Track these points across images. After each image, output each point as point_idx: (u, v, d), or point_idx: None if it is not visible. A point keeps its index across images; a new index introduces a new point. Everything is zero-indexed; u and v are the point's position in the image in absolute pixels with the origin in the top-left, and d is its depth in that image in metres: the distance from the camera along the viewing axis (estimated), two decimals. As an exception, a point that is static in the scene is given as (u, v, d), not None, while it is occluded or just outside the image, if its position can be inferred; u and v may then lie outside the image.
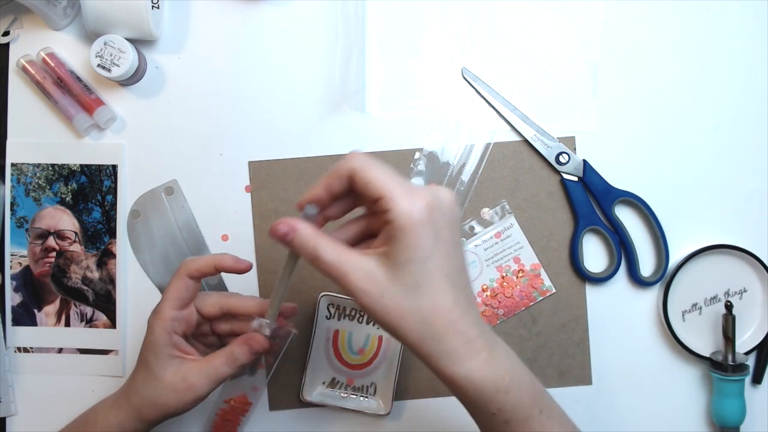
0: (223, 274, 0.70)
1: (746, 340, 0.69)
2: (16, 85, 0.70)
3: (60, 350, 0.70)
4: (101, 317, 0.70)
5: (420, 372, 0.69)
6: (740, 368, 0.66)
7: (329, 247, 0.44)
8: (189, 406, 0.56)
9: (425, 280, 0.43)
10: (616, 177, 0.69)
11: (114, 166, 0.70)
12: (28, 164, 0.70)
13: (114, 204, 0.70)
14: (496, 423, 0.46)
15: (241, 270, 0.57)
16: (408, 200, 0.42)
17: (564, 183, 0.69)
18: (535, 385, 0.48)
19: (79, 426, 0.59)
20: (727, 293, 0.69)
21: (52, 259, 0.70)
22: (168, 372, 0.55)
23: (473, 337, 0.44)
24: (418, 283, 0.43)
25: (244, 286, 0.69)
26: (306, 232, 0.45)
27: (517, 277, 0.69)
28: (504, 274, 0.69)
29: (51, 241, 0.70)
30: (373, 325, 0.69)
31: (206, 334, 0.60)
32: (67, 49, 0.70)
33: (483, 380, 0.45)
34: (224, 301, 0.59)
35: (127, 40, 0.65)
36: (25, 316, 0.70)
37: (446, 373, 0.44)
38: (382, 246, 0.44)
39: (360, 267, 0.44)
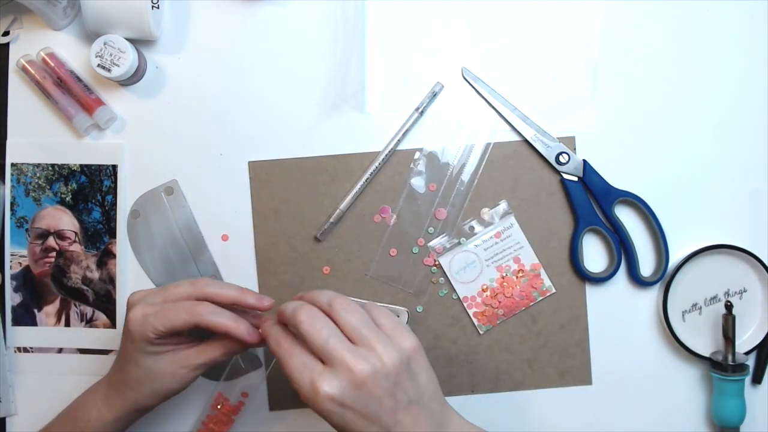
0: (222, 271, 0.70)
1: (746, 340, 0.69)
2: (16, 85, 0.70)
3: (60, 350, 0.70)
4: (101, 317, 0.70)
5: (420, 372, 0.69)
6: (740, 368, 0.66)
7: (300, 364, 0.50)
8: (190, 383, 0.59)
9: None
10: (616, 177, 0.69)
11: (114, 166, 0.70)
12: (28, 164, 0.70)
13: (114, 204, 0.70)
14: None
15: (263, 309, 0.58)
16: (307, 385, 0.48)
17: (564, 183, 0.69)
18: None
19: (67, 424, 0.60)
20: (727, 293, 0.69)
21: (52, 259, 0.70)
22: (164, 364, 0.57)
23: None
24: None
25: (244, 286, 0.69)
26: (282, 339, 0.53)
27: (517, 277, 0.69)
28: (504, 274, 0.69)
29: (51, 241, 0.70)
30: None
31: None
32: (67, 49, 0.70)
33: None
34: (196, 312, 0.56)
35: (127, 40, 0.65)
36: (25, 316, 0.70)
37: None
38: None
39: (325, 380, 0.49)
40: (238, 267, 0.69)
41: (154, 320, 0.54)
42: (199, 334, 0.58)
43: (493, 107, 0.69)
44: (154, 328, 0.54)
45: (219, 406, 0.69)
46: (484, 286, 0.69)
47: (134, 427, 0.61)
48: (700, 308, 0.69)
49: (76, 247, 0.70)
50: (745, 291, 0.69)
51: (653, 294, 0.70)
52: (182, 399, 0.69)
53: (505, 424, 0.69)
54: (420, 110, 0.69)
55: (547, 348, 0.69)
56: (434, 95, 0.69)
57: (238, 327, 0.55)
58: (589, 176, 0.68)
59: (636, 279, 0.69)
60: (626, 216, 0.70)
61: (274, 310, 0.56)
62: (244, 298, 0.56)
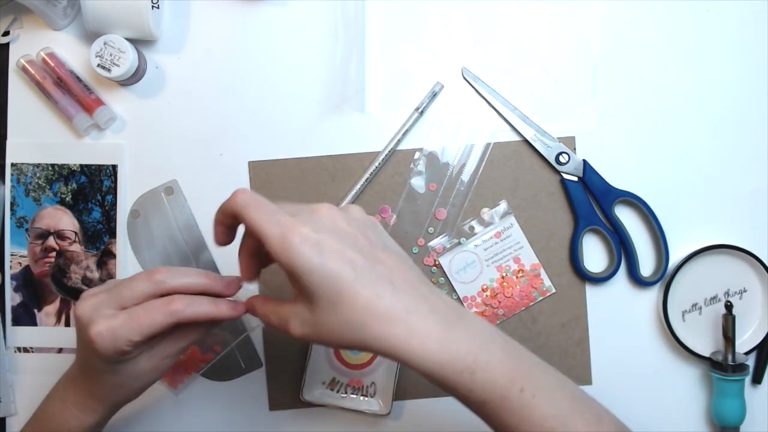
0: (222, 271, 0.70)
1: (746, 340, 0.69)
2: (16, 85, 0.70)
3: (60, 350, 0.70)
4: (101, 317, 0.69)
5: (420, 372, 0.69)
6: (740, 368, 0.66)
7: (269, 306, 0.49)
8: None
9: (334, 296, 0.44)
10: (616, 177, 0.69)
11: (114, 166, 0.70)
12: (28, 164, 0.70)
13: (114, 204, 0.70)
14: (474, 405, 0.46)
15: (231, 295, 0.53)
16: (279, 236, 0.44)
17: (564, 183, 0.69)
18: (517, 362, 0.46)
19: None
20: (727, 293, 0.69)
21: (52, 259, 0.70)
22: (143, 363, 0.52)
23: (416, 320, 0.44)
24: (330, 302, 0.44)
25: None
26: (257, 304, 0.50)
27: (517, 277, 0.69)
28: (504, 274, 0.69)
29: (51, 241, 0.70)
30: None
31: None
32: (67, 49, 0.70)
33: (439, 362, 0.44)
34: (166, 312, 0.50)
35: (127, 40, 0.65)
36: (25, 316, 0.70)
37: (407, 363, 0.45)
38: (293, 287, 0.46)
39: (292, 314, 0.47)
40: (238, 267, 0.69)
41: (125, 332, 0.48)
42: None
43: (493, 107, 0.69)
44: (128, 340, 0.48)
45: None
46: (484, 286, 0.69)
47: (132, 427, 0.60)
48: (700, 308, 0.69)
49: (76, 247, 0.70)
50: (745, 291, 0.69)
51: (653, 294, 0.70)
52: (183, 398, 0.69)
53: (505, 424, 0.69)
54: (420, 110, 0.69)
55: (547, 348, 0.69)
56: (434, 95, 0.69)
57: (221, 309, 0.51)
58: (589, 176, 0.68)
59: (636, 279, 0.69)
60: (626, 216, 0.70)
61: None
62: (213, 285, 0.52)
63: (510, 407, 0.45)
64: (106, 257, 0.70)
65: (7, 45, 0.70)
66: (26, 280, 0.70)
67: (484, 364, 0.45)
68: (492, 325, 0.48)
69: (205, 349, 0.69)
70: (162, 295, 0.50)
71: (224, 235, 0.52)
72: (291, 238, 0.44)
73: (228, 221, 0.50)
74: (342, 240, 0.45)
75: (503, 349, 0.46)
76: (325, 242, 0.44)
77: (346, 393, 0.69)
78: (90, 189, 0.70)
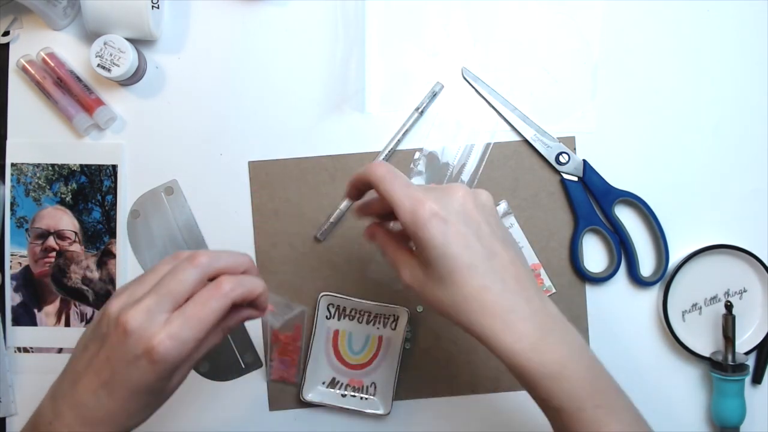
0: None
1: (746, 340, 0.69)
2: (16, 85, 0.70)
3: (60, 350, 0.70)
4: (101, 317, 0.69)
5: (420, 372, 0.69)
6: (740, 368, 0.66)
7: (391, 247, 0.53)
8: None
9: (447, 274, 0.47)
10: (616, 177, 0.69)
11: (114, 166, 0.70)
12: (28, 164, 0.70)
13: (114, 204, 0.70)
14: (548, 408, 0.49)
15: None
16: (410, 209, 0.47)
17: (564, 183, 0.69)
18: (597, 380, 0.49)
19: None
20: (727, 293, 0.69)
21: (52, 259, 0.70)
22: (176, 377, 0.48)
23: (515, 320, 0.47)
24: (442, 277, 0.48)
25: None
26: (379, 235, 0.54)
27: (517, 277, 0.69)
28: (504, 274, 0.69)
29: (51, 241, 0.70)
30: (374, 325, 0.69)
31: None
32: (67, 49, 0.70)
33: (527, 364, 0.47)
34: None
35: (127, 40, 0.65)
36: (25, 316, 0.70)
37: (495, 352, 0.48)
38: (416, 245, 0.49)
39: (407, 265, 0.51)
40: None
41: (189, 333, 0.44)
42: None
43: (493, 107, 0.69)
44: (195, 339, 0.45)
45: (282, 337, 0.67)
46: (484, 286, 0.69)
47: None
48: (700, 308, 0.69)
49: (76, 247, 0.70)
50: (745, 291, 0.69)
51: (653, 294, 0.70)
52: (183, 398, 0.69)
53: (506, 424, 0.69)
54: (420, 110, 0.69)
55: (547, 348, 0.69)
56: (434, 95, 0.69)
57: (261, 280, 0.49)
58: (589, 176, 0.68)
59: (636, 279, 0.69)
60: (626, 216, 0.70)
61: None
62: (251, 264, 0.50)
63: (584, 419, 0.48)
64: (106, 257, 0.70)
65: (7, 45, 0.70)
66: (26, 280, 0.70)
67: (568, 376, 0.47)
68: (582, 339, 0.50)
69: None
70: (207, 280, 0.47)
71: (355, 195, 0.55)
72: (422, 213, 0.47)
73: (362, 187, 0.53)
74: (468, 224, 0.48)
75: (588, 366, 0.49)
76: (451, 223, 0.47)
77: (346, 393, 0.69)
78: (90, 189, 0.70)
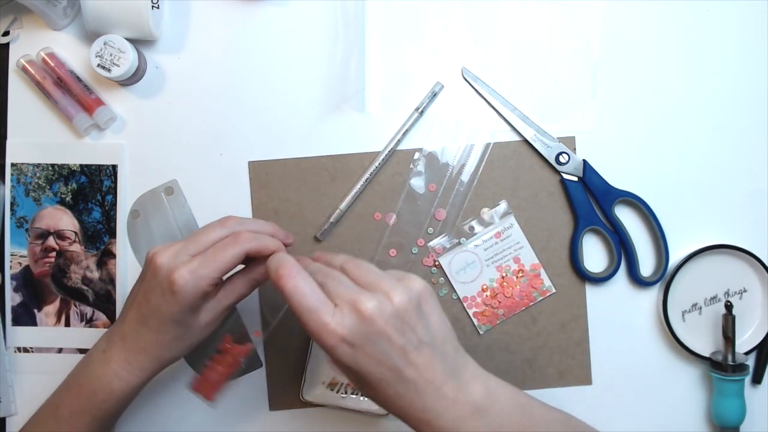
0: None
1: (746, 340, 0.69)
2: (16, 85, 0.70)
3: (60, 350, 0.70)
4: (101, 317, 0.70)
5: (420, 372, 0.69)
6: (740, 368, 0.66)
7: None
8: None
9: (363, 382, 0.49)
10: (616, 177, 0.69)
11: (114, 166, 0.70)
12: (28, 164, 0.70)
13: (114, 204, 0.70)
14: None
15: (289, 244, 0.58)
16: (317, 334, 0.47)
17: (564, 183, 0.69)
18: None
19: (83, 400, 0.58)
20: (727, 293, 0.69)
21: (52, 259, 0.70)
22: (204, 315, 0.56)
23: (431, 419, 0.49)
24: (358, 381, 0.50)
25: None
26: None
27: (517, 277, 0.69)
28: (504, 274, 0.69)
29: (51, 241, 0.70)
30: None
31: None
32: (67, 49, 0.70)
33: None
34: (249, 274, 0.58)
35: (127, 40, 0.65)
36: (25, 316, 0.70)
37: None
38: None
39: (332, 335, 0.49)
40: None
41: (205, 272, 0.53)
42: None
43: (493, 107, 0.69)
44: (209, 277, 0.53)
45: (228, 345, 0.65)
46: (484, 286, 0.69)
47: (133, 427, 0.60)
48: (700, 308, 0.69)
49: (76, 247, 0.70)
50: (745, 291, 0.69)
51: (653, 294, 0.70)
52: (183, 398, 0.69)
53: (505, 424, 0.69)
54: (420, 110, 0.69)
55: (547, 348, 0.69)
56: (434, 95, 0.69)
57: (277, 242, 0.56)
58: (589, 176, 0.68)
59: (636, 279, 0.69)
60: (626, 216, 0.70)
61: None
62: (277, 231, 0.57)
63: None
64: (106, 257, 0.70)
65: (7, 45, 0.70)
66: (26, 280, 0.70)
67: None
68: (515, 399, 0.51)
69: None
70: None
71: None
72: (329, 341, 0.47)
73: (259, 277, 0.57)
74: (376, 344, 0.47)
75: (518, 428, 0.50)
76: (358, 347, 0.47)
77: (346, 393, 0.69)
78: (90, 189, 0.70)
